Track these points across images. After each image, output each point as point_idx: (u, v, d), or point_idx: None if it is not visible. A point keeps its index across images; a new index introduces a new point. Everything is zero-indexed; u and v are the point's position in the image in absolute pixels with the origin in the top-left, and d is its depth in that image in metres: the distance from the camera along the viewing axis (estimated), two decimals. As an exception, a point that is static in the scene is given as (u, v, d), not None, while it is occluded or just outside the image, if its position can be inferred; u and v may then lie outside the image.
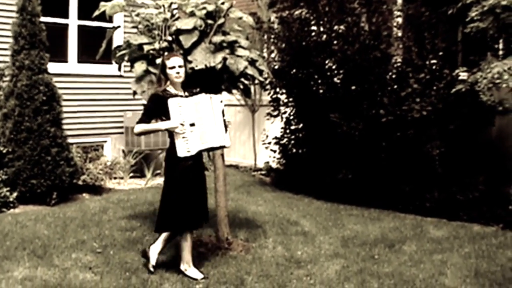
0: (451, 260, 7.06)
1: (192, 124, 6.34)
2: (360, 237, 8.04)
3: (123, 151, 12.53)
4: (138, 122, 6.41)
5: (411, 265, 6.87)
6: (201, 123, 6.41)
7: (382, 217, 9.25)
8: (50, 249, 7.16)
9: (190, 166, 6.44)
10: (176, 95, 6.37)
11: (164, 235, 6.67)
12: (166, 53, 6.74)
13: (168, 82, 6.42)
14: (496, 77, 7.95)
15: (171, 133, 6.37)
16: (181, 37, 6.93)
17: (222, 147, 6.94)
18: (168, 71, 6.37)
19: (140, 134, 6.55)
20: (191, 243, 6.53)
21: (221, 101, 6.64)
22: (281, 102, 11.44)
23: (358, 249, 7.46)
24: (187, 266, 6.44)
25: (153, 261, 6.54)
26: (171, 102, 6.28)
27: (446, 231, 8.45)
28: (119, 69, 7.73)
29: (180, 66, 6.37)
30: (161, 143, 12.45)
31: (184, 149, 6.32)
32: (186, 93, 6.51)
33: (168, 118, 6.29)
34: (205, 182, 6.70)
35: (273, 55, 11.67)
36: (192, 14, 7.10)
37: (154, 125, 6.45)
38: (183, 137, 6.31)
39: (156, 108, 6.37)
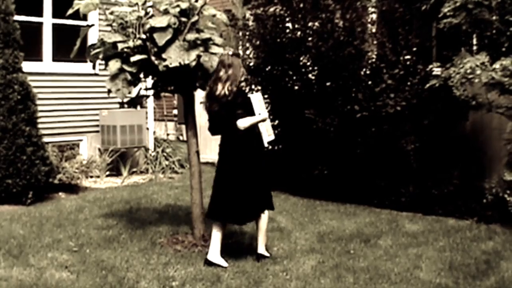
0: (426, 254, 7.14)
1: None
2: (336, 232, 8.09)
3: (99, 149, 12.50)
4: (237, 118, 6.71)
5: (387, 259, 6.93)
6: (267, 117, 7.01)
7: (358, 212, 9.31)
8: (25, 249, 7.14)
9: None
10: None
11: (214, 234, 6.78)
12: (231, 52, 6.98)
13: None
14: (469, 72, 8.02)
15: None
16: (155, 35, 6.94)
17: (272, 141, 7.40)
18: (243, 69, 6.86)
19: (246, 128, 6.77)
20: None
21: None
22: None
23: (334, 245, 7.50)
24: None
25: (223, 263, 6.67)
26: (253, 97, 6.86)
27: (421, 225, 8.53)
28: (94, 67, 7.72)
29: None
30: (137, 141, 12.45)
31: (266, 139, 6.93)
32: None
33: (244, 111, 6.70)
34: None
35: (248, 52, 11.68)
36: (166, 12, 7.11)
37: (256, 117, 6.81)
38: (262, 129, 6.89)
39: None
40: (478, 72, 7.97)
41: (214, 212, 6.89)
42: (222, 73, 6.69)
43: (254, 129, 6.81)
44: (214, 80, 6.76)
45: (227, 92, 6.65)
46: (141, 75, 7.35)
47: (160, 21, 6.96)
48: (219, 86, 6.68)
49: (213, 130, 7.11)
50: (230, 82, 6.66)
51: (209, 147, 14.51)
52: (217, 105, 6.74)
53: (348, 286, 6.12)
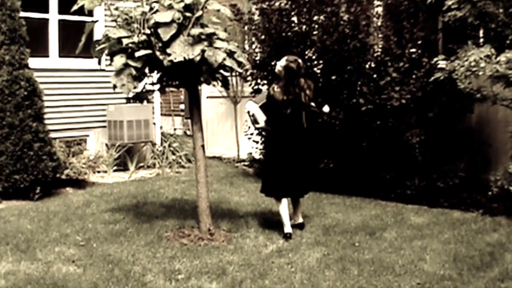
0: (431, 246, 7.16)
1: None
2: (341, 225, 8.13)
3: (106, 144, 12.55)
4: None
5: (391, 252, 6.96)
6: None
7: (364, 205, 9.34)
8: (33, 243, 7.20)
9: None
10: None
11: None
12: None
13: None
14: (473, 65, 8.03)
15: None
16: (159, 30, 6.97)
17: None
18: None
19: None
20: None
21: None
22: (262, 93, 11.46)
23: (339, 237, 7.54)
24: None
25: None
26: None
27: (426, 217, 8.55)
28: (99, 63, 7.75)
29: None
30: (144, 136, 12.50)
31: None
32: None
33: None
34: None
35: (253, 46, 11.71)
36: (170, 7, 7.14)
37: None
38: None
39: None
40: (483, 64, 7.98)
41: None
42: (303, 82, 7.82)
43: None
44: (300, 87, 7.75)
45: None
46: (146, 70, 7.37)
47: (164, 16, 6.99)
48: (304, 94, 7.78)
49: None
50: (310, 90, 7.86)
51: (216, 141, 14.61)
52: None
53: (352, 278, 6.15)
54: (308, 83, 7.85)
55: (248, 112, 7.94)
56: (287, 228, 7.59)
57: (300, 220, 8.03)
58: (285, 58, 7.92)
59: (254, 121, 8.00)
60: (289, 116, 7.73)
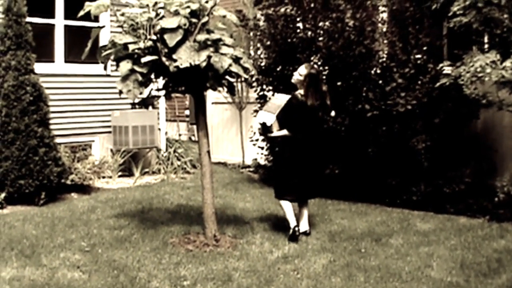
0: (437, 253, 7.14)
1: None
2: (347, 231, 8.11)
3: (111, 150, 12.55)
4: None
5: (398, 258, 6.94)
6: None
7: (369, 211, 9.32)
8: (38, 249, 7.19)
9: None
10: None
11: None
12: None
13: None
14: (479, 71, 8.01)
15: None
16: (165, 36, 6.97)
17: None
18: None
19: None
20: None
21: None
22: (267, 99, 11.46)
23: (345, 243, 7.52)
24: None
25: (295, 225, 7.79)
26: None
27: (432, 224, 8.52)
28: (105, 68, 7.77)
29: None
30: (149, 141, 12.49)
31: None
32: None
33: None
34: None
35: (259, 52, 11.70)
36: (176, 13, 7.14)
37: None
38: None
39: None
40: (488, 70, 7.96)
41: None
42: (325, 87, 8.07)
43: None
44: (320, 93, 7.91)
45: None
46: (152, 76, 7.37)
47: (170, 22, 6.99)
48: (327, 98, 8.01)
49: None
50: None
51: (221, 147, 14.59)
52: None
53: (359, 285, 6.13)
54: (326, 87, 8.11)
55: (264, 123, 7.96)
56: (294, 222, 7.78)
57: (307, 227, 8.03)
58: (304, 65, 8.10)
59: (267, 131, 8.00)
60: (316, 121, 7.98)
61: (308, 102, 7.78)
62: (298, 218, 7.96)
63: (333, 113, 8.35)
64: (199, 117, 7.58)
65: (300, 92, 7.91)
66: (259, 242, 7.55)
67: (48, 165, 9.68)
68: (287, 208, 7.83)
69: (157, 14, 7.25)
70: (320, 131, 8.17)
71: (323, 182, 8.38)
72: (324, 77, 10.27)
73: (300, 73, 7.94)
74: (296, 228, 7.68)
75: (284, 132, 7.89)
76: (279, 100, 8.12)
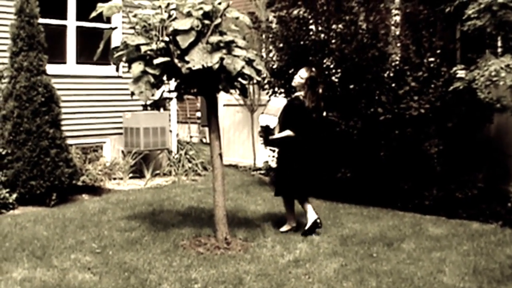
0: (450, 258, 7.08)
1: None
2: (358, 235, 8.06)
3: (122, 151, 12.55)
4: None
5: (410, 263, 6.88)
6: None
7: (381, 215, 9.26)
8: (49, 250, 7.18)
9: None
10: None
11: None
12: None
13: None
14: (494, 75, 7.94)
15: None
16: (178, 38, 6.96)
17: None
18: None
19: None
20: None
21: None
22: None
23: (356, 248, 7.47)
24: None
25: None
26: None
27: (445, 229, 8.46)
28: (117, 69, 7.75)
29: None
30: (160, 143, 12.49)
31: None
32: None
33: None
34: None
35: (271, 54, 11.67)
36: (189, 14, 7.13)
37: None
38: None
39: None
40: (503, 74, 7.88)
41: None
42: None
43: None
44: (317, 95, 8.16)
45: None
46: (164, 78, 7.36)
47: (183, 24, 6.98)
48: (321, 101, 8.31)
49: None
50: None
51: (232, 149, 14.56)
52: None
53: (370, 289, 6.10)
54: (322, 90, 8.54)
55: (268, 126, 7.99)
56: (315, 215, 8.11)
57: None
58: (304, 69, 8.25)
59: (270, 134, 8.04)
60: (313, 121, 8.17)
61: (306, 103, 8.03)
62: (297, 217, 8.40)
63: (324, 114, 8.69)
64: (211, 119, 7.55)
65: (300, 94, 8.14)
66: (270, 246, 7.51)
67: (59, 166, 9.68)
68: (310, 206, 8.17)
69: (170, 16, 7.25)
70: (317, 132, 8.39)
71: (315, 182, 8.57)
72: (336, 80, 10.32)
73: (301, 76, 8.17)
74: (318, 220, 8.07)
75: (287, 133, 8.03)
76: (278, 102, 8.38)
